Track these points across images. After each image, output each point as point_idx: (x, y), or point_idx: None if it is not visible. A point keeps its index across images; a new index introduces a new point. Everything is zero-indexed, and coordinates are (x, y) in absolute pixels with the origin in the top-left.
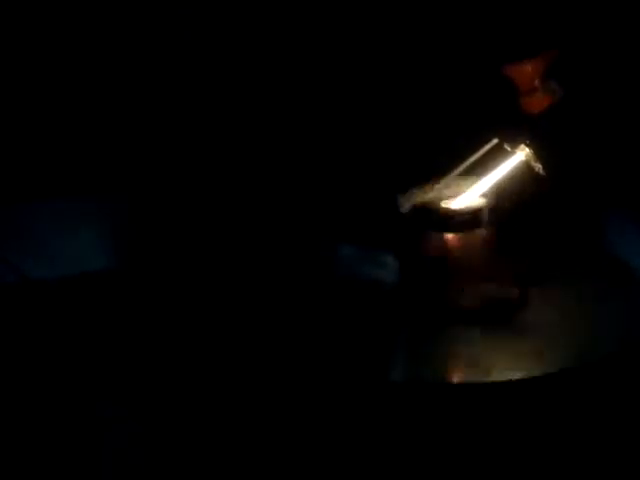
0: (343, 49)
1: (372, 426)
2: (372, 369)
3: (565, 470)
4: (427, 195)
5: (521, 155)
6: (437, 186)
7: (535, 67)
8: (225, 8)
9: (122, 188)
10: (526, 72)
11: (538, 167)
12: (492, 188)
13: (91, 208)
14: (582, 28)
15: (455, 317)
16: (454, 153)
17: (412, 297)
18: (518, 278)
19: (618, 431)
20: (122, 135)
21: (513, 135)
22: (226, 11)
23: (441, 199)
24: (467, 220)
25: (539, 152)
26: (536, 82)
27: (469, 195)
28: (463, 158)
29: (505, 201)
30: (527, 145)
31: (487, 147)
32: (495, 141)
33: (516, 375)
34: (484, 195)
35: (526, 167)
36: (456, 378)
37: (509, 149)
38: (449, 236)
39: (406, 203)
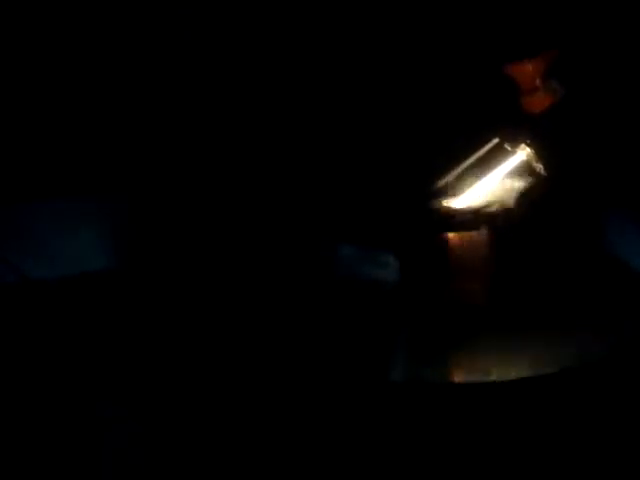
0: (343, 49)
1: (372, 425)
2: (372, 369)
3: (565, 470)
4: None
5: (522, 155)
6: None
7: (536, 67)
8: (225, 8)
9: (122, 188)
10: (527, 72)
11: (539, 167)
12: (493, 188)
13: (91, 208)
14: (582, 28)
15: (455, 317)
16: (454, 153)
17: (412, 297)
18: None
19: (618, 431)
20: (122, 135)
21: (514, 135)
22: (226, 11)
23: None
24: (468, 220)
25: (540, 152)
26: (537, 82)
27: (470, 195)
28: (463, 158)
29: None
30: (528, 145)
31: (488, 147)
32: (496, 141)
33: (516, 375)
34: (484, 195)
35: (527, 167)
36: (456, 378)
37: (510, 149)
38: (450, 235)
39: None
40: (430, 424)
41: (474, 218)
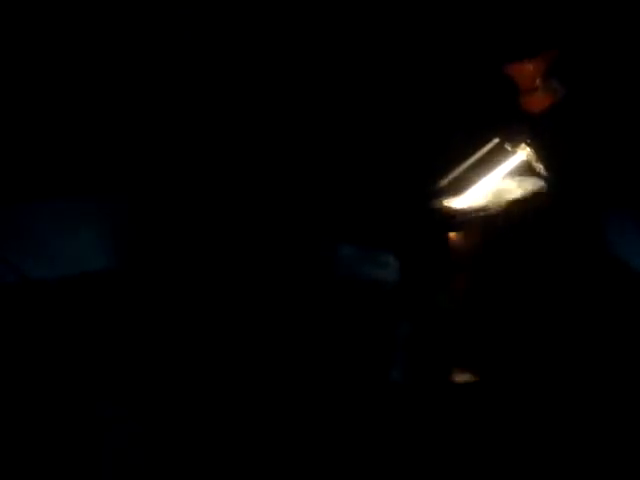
0: (344, 49)
1: (373, 425)
2: (372, 368)
3: (565, 470)
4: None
5: (522, 154)
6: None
7: (536, 66)
8: (225, 8)
9: (122, 188)
10: (527, 71)
11: (539, 167)
12: (494, 188)
13: (91, 208)
14: (582, 28)
15: (455, 316)
16: (455, 153)
17: (412, 297)
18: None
19: (618, 431)
20: (122, 135)
21: (514, 134)
22: (226, 11)
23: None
24: (468, 220)
25: (540, 151)
26: (537, 81)
27: (470, 195)
28: (464, 158)
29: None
30: (528, 144)
31: (488, 146)
32: (496, 140)
33: (516, 375)
34: (485, 195)
35: (527, 166)
36: (456, 378)
37: (510, 148)
38: (451, 235)
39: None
40: (430, 424)
41: (474, 218)
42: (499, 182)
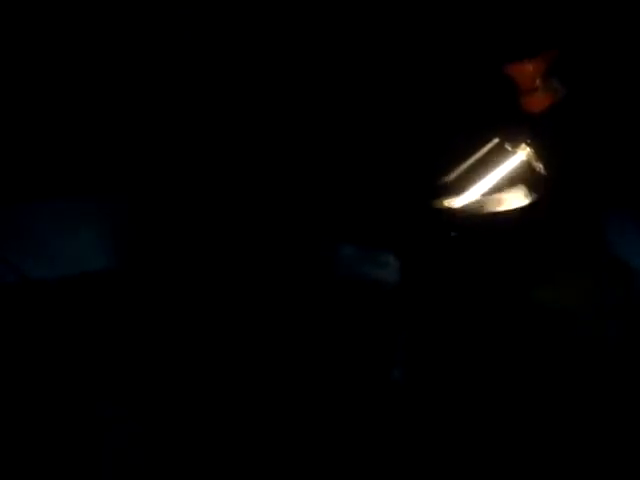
0: (344, 49)
1: (373, 424)
2: (373, 368)
3: (565, 470)
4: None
5: (522, 154)
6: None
7: (536, 66)
8: (225, 8)
9: (122, 188)
10: (527, 71)
11: (539, 166)
12: (494, 188)
13: (91, 208)
14: (582, 28)
15: (456, 316)
16: (455, 153)
17: (413, 296)
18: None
19: (618, 431)
20: (122, 135)
21: (514, 134)
22: (226, 11)
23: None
24: (468, 219)
25: (540, 151)
26: (537, 81)
27: (470, 194)
28: (464, 158)
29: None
30: (528, 144)
31: (488, 146)
32: (496, 140)
33: (516, 375)
34: (485, 194)
35: (527, 166)
36: (456, 377)
37: (510, 148)
38: (451, 235)
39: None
40: (430, 424)
41: (475, 218)
42: (500, 182)
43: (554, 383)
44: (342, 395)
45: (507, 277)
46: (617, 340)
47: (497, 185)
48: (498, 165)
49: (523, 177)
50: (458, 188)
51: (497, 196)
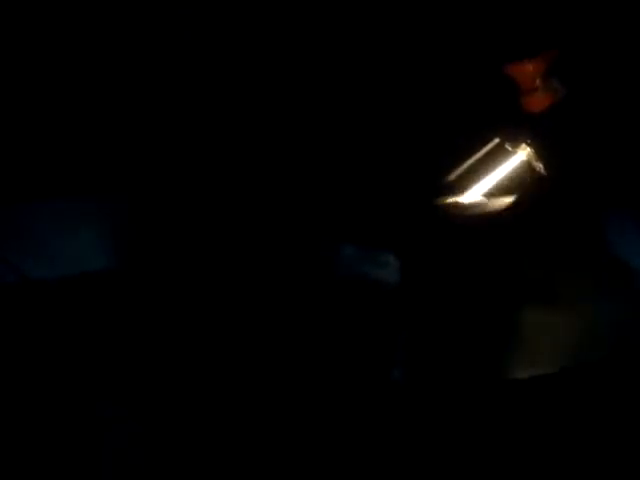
0: (343, 48)
1: (373, 425)
2: (373, 369)
3: (565, 470)
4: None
5: (522, 154)
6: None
7: (536, 66)
8: (225, 8)
9: (122, 188)
10: (527, 71)
11: (539, 166)
12: (494, 188)
13: (91, 208)
14: (582, 28)
15: (456, 316)
16: (455, 152)
17: (413, 297)
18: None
19: (618, 431)
20: (122, 135)
21: (514, 134)
22: (226, 11)
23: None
24: (469, 219)
25: (540, 151)
26: (537, 81)
27: (471, 194)
28: (464, 158)
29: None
30: (528, 144)
31: (488, 147)
32: (496, 140)
33: (517, 375)
34: (486, 194)
35: (527, 166)
36: (457, 378)
37: (510, 149)
38: (451, 235)
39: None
40: (431, 424)
41: (475, 218)
42: (500, 182)
43: (554, 383)
44: (342, 395)
45: (507, 277)
46: (617, 340)
47: (498, 185)
48: (498, 165)
49: (523, 177)
50: (458, 188)
51: (497, 196)
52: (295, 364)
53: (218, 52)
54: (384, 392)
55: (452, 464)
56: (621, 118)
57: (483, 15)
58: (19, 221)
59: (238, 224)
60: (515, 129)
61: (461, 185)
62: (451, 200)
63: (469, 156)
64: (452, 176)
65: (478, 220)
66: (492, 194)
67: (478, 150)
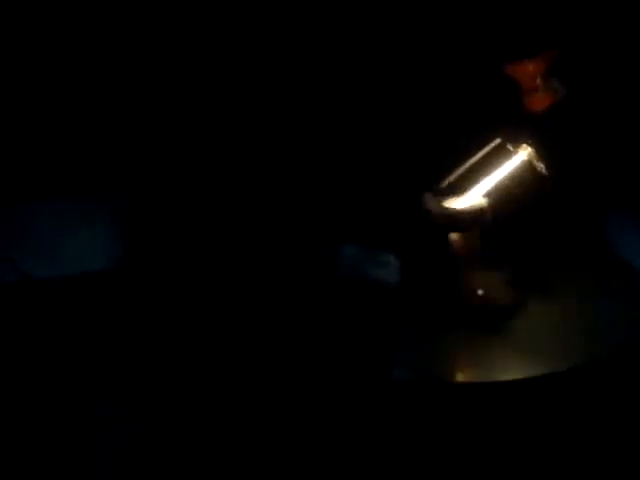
0: (344, 48)
1: (374, 424)
2: (374, 368)
3: (565, 470)
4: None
5: (523, 154)
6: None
7: (537, 66)
8: (225, 8)
9: (122, 188)
10: (528, 71)
11: (540, 166)
12: (494, 188)
13: (91, 208)
14: (582, 28)
15: (457, 316)
16: (456, 153)
17: (414, 296)
18: (516, 280)
19: (618, 431)
20: (122, 135)
21: (515, 134)
22: (226, 11)
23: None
24: (469, 220)
25: (541, 151)
26: (538, 81)
27: (471, 195)
28: (465, 158)
29: (507, 201)
30: (529, 144)
31: (489, 147)
32: (497, 141)
33: (517, 375)
34: (486, 195)
35: (528, 166)
36: (458, 377)
37: (511, 148)
38: (452, 235)
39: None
40: (432, 423)
41: (476, 218)
42: (500, 182)
43: (554, 383)
44: (342, 395)
45: (507, 277)
46: (617, 340)
47: (498, 185)
48: (499, 165)
49: (524, 177)
50: (459, 188)
51: (498, 196)
52: (295, 364)
53: (218, 52)
54: (384, 392)
55: (452, 464)
56: (621, 118)
57: (483, 15)
58: (19, 221)
59: (238, 224)
60: (516, 129)
61: (461, 185)
62: (452, 201)
63: (469, 156)
64: (453, 177)
65: (478, 220)
66: (492, 194)
67: (478, 150)
